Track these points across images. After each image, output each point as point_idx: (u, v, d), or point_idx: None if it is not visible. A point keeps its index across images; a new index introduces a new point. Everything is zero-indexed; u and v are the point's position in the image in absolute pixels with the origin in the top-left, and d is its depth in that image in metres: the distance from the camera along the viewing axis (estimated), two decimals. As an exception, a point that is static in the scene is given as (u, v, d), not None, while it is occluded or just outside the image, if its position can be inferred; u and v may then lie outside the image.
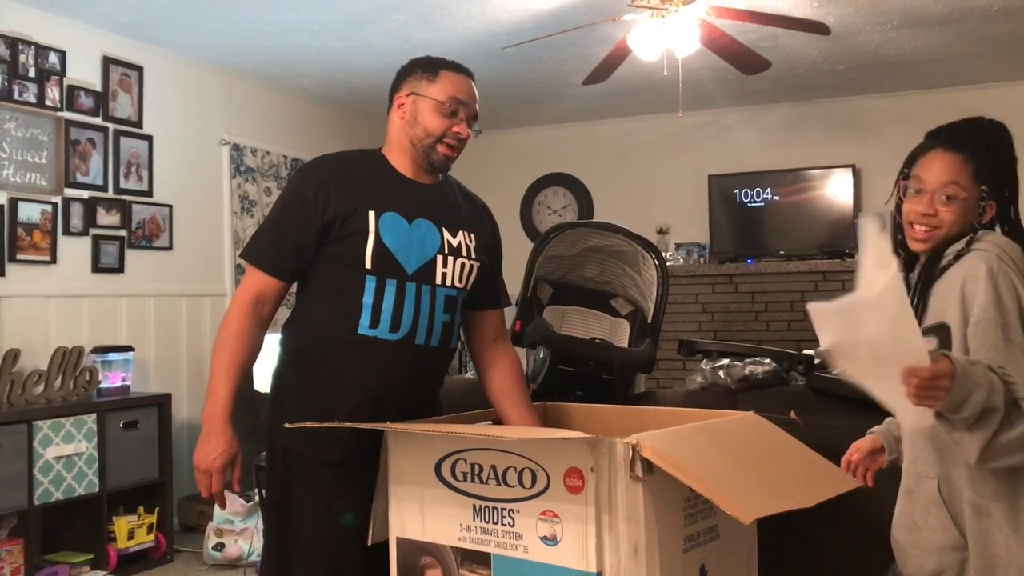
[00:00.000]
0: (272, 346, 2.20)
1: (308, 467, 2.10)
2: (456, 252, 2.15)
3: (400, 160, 2.17)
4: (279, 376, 2.18)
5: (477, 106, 2.18)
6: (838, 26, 4.65)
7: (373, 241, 2.06)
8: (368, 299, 2.05)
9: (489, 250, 2.27)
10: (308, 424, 1.92)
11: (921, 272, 1.82)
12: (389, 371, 2.09)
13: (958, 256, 1.76)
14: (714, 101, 6.39)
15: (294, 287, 2.22)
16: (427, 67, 2.15)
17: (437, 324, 2.12)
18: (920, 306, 1.78)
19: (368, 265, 2.05)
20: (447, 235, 2.15)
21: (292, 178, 2.22)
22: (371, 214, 2.07)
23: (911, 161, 1.88)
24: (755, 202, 6.63)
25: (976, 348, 1.65)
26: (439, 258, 2.12)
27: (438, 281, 2.11)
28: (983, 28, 4.83)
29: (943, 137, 1.84)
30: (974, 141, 1.81)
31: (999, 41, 5.07)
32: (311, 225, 2.07)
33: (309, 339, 2.12)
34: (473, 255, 2.19)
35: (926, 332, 1.69)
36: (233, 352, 2.05)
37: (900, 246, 1.89)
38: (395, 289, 2.06)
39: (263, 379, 4.39)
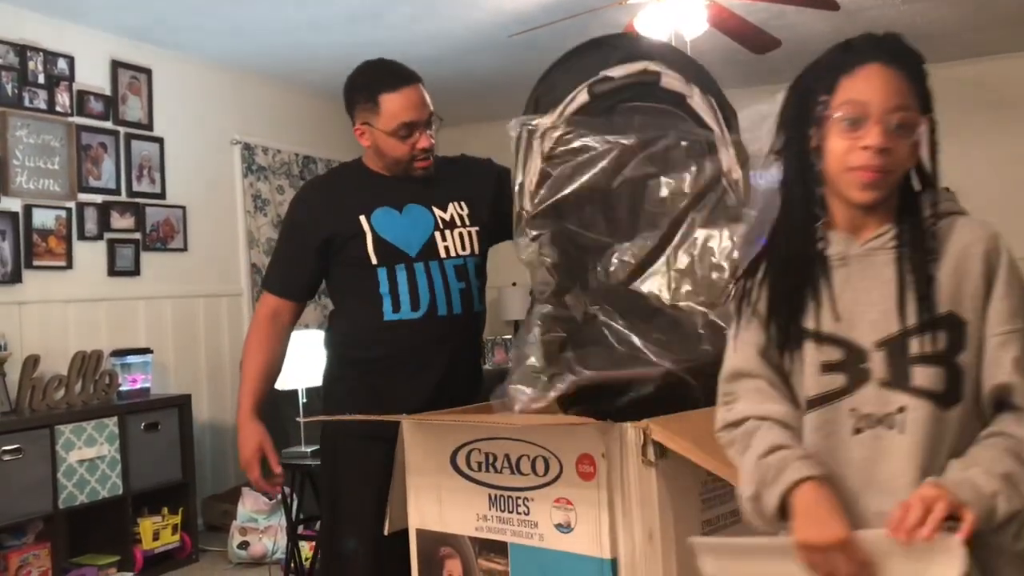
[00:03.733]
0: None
1: (354, 445, 2.21)
2: (451, 224, 2.25)
3: (379, 165, 2.28)
4: (327, 374, 2.35)
5: (429, 109, 2.21)
6: (848, 2, 4.59)
7: (372, 238, 2.19)
8: (384, 289, 2.18)
9: (489, 205, 2.29)
10: (319, 418, 2.06)
11: (909, 239, 1.31)
12: (423, 346, 2.20)
13: (936, 217, 1.31)
14: (725, 82, 6.25)
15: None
16: (367, 95, 2.23)
17: (454, 293, 2.23)
18: (925, 285, 1.28)
19: (374, 260, 2.19)
20: (438, 212, 2.25)
21: (288, 207, 2.40)
22: (362, 217, 2.20)
23: (830, 83, 1.33)
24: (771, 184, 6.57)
25: (1000, 356, 1.25)
26: (437, 234, 2.23)
27: (442, 255, 2.22)
28: (995, -2, 4.77)
29: (877, 49, 1.31)
30: (914, 58, 1.31)
31: (1010, 11, 4.99)
32: (310, 245, 2.24)
33: (347, 334, 2.29)
34: (468, 222, 2.27)
35: (932, 326, 1.27)
36: (256, 363, 2.28)
37: (818, 205, 1.37)
38: (405, 273, 2.19)
39: (284, 378, 4.43)
